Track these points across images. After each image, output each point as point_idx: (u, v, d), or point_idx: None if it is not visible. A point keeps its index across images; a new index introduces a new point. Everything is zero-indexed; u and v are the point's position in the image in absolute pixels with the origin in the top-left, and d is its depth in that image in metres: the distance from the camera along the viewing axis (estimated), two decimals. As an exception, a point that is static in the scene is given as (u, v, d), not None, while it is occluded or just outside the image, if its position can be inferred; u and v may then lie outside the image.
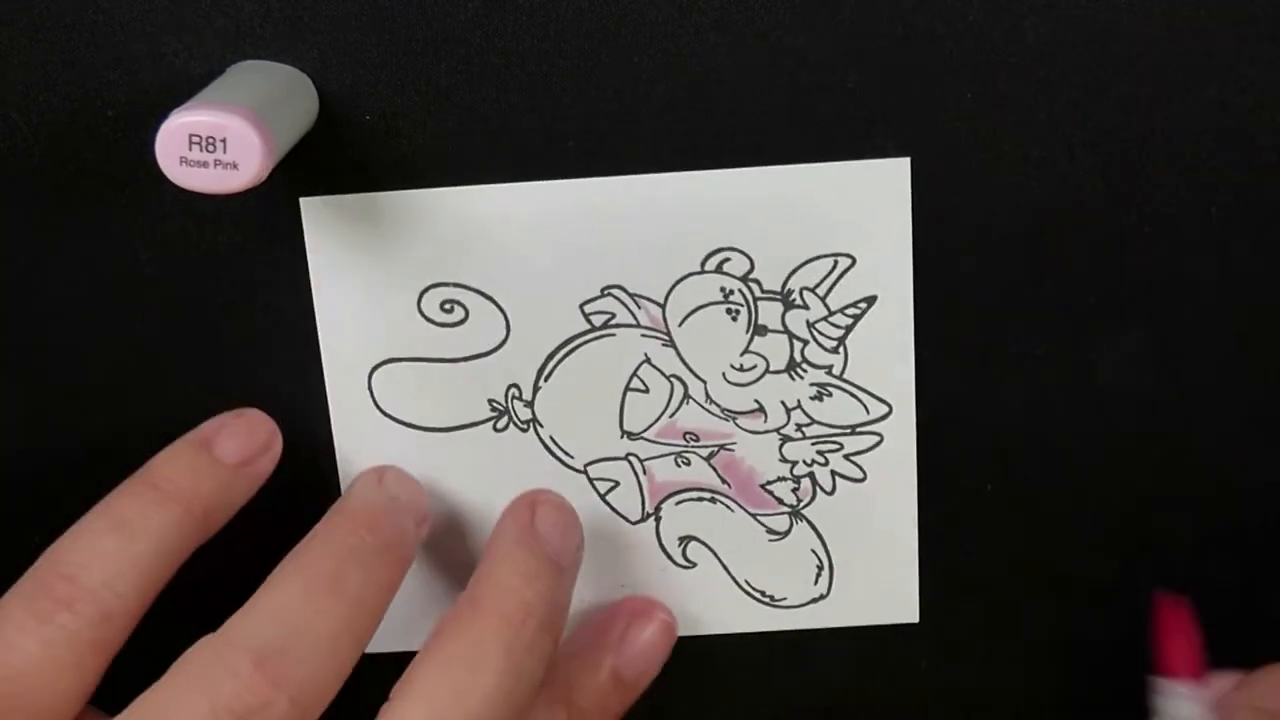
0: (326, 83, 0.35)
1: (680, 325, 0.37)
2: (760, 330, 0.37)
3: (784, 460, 0.39)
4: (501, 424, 0.38)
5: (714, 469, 0.39)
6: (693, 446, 0.38)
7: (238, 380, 0.38)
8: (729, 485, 0.39)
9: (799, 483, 0.39)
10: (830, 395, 0.38)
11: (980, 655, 0.41)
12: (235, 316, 0.37)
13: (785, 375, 0.38)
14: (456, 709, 0.32)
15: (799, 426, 0.38)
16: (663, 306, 0.37)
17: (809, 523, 0.39)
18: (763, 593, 0.40)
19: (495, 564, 0.35)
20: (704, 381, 0.38)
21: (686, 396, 0.38)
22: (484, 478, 0.39)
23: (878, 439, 0.38)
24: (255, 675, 0.31)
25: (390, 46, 0.35)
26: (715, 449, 0.38)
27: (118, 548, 0.33)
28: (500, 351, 0.37)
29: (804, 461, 0.39)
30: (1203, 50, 0.34)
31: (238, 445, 0.36)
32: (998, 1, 0.34)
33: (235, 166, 0.30)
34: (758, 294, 0.37)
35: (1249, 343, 0.37)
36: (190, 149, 0.30)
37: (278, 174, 0.32)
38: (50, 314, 0.37)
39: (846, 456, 0.39)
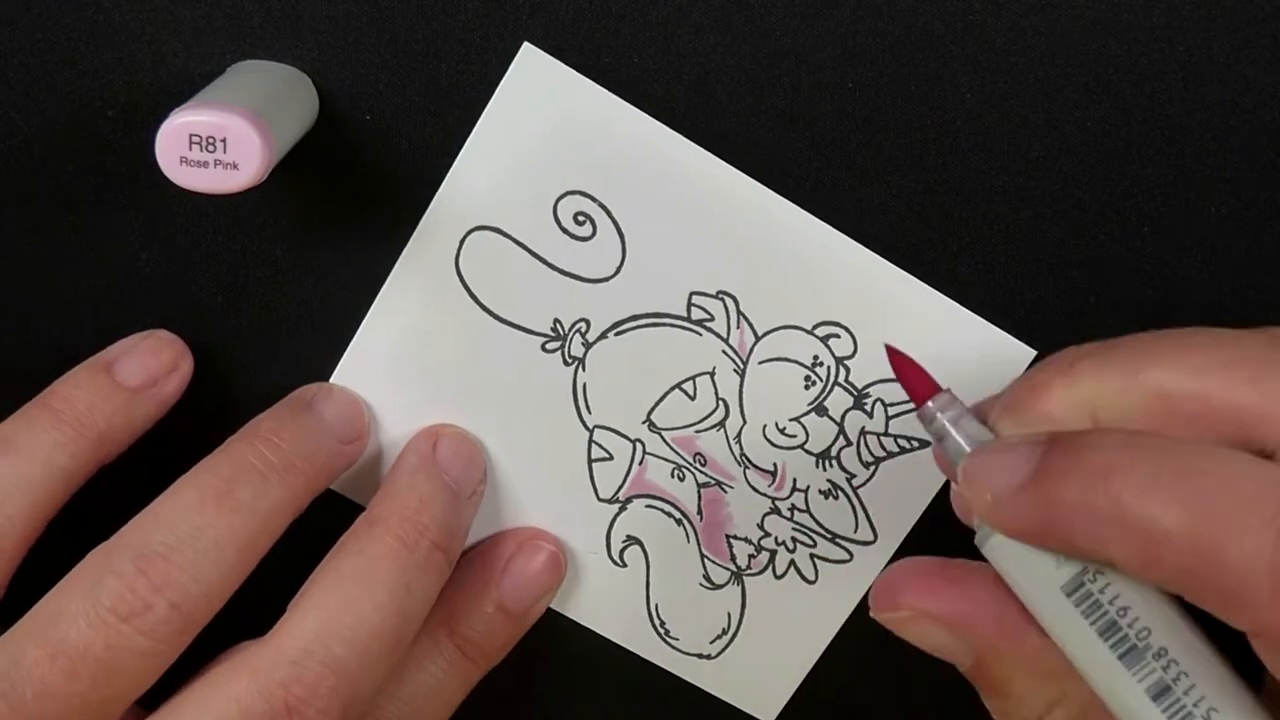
0: (326, 83, 0.35)
1: (760, 364, 0.37)
2: (820, 410, 0.38)
3: (761, 527, 0.39)
4: (552, 346, 0.37)
5: (699, 497, 0.39)
6: (696, 468, 0.38)
7: (238, 379, 0.38)
8: (700, 518, 0.39)
9: (759, 553, 0.39)
10: (836, 498, 0.38)
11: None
12: (235, 317, 0.37)
13: (813, 459, 0.38)
14: (348, 617, 0.33)
15: (793, 507, 0.39)
16: (758, 339, 0.37)
17: (742, 589, 0.40)
18: (663, 624, 0.40)
19: (394, 487, 0.36)
20: (744, 421, 0.38)
21: (721, 424, 0.38)
22: (501, 382, 0.38)
23: (848, 557, 0.39)
24: (138, 578, 0.31)
25: (390, 46, 0.35)
26: (712, 482, 0.39)
27: (6, 470, 0.34)
28: (597, 285, 0.37)
29: (776, 538, 0.39)
30: (1203, 50, 0.34)
31: (140, 367, 0.36)
32: (998, 1, 0.34)
33: (235, 166, 0.30)
34: (839, 379, 0.37)
35: (1249, 343, 0.37)
36: (190, 149, 0.30)
37: (278, 174, 0.32)
38: (50, 314, 0.37)
39: (813, 555, 0.39)
